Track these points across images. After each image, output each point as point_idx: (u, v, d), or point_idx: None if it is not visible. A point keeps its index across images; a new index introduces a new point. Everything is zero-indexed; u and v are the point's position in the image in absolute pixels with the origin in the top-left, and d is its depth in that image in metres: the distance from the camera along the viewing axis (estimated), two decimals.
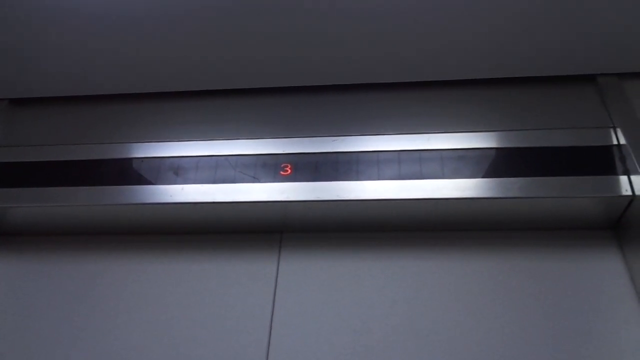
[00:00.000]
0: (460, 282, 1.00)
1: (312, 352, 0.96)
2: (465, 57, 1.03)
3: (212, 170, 1.05)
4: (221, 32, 1.00)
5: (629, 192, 0.91)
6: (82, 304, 1.07)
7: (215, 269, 1.08)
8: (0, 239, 1.19)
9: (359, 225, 1.07)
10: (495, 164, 0.99)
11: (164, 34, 1.01)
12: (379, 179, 1.00)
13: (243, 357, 0.97)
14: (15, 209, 1.09)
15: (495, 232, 1.04)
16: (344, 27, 0.98)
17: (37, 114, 1.20)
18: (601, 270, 0.97)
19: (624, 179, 0.93)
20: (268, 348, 0.97)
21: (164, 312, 1.04)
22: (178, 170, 1.06)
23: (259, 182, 1.02)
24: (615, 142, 0.97)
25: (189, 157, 1.08)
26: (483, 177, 0.97)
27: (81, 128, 1.16)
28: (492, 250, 1.02)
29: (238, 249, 1.10)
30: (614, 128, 0.99)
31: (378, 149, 1.03)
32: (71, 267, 1.12)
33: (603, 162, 0.96)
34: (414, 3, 0.93)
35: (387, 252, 1.05)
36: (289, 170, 1.03)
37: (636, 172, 0.92)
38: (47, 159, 1.12)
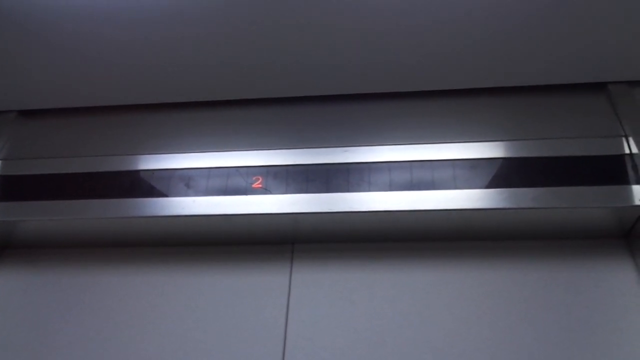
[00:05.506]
0: (473, 293, 1.00)
1: None
2: (476, 65, 1.03)
3: (223, 181, 1.05)
4: (232, 42, 1.00)
5: None
6: (93, 316, 1.07)
7: (228, 280, 1.08)
8: (11, 252, 1.19)
9: (371, 236, 1.07)
10: (507, 174, 0.98)
11: (174, 45, 1.01)
12: (390, 189, 1.00)
13: None
14: (25, 222, 1.09)
15: (507, 242, 1.04)
16: (354, 36, 0.98)
17: (47, 126, 1.20)
18: (613, 279, 0.98)
19: (636, 188, 0.93)
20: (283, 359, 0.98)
21: (176, 324, 1.04)
22: (189, 182, 1.06)
23: (271, 193, 1.02)
24: (627, 151, 0.97)
25: (200, 168, 1.07)
26: (495, 187, 0.97)
27: (91, 140, 1.16)
28: (505, 260, 1.02)
29: (250, 260, 1.10)
30: (626, 137, 0.99)
31: (390, 160, 1.03)
32: (82, 280, 1.12)
33: (615, 171, 0.96)
34: (425, 11, 0.93)
35: (400, 262, 1.05)
36: (300, 182, 1.03)
37: None
38: (57, 171, 1.11)
